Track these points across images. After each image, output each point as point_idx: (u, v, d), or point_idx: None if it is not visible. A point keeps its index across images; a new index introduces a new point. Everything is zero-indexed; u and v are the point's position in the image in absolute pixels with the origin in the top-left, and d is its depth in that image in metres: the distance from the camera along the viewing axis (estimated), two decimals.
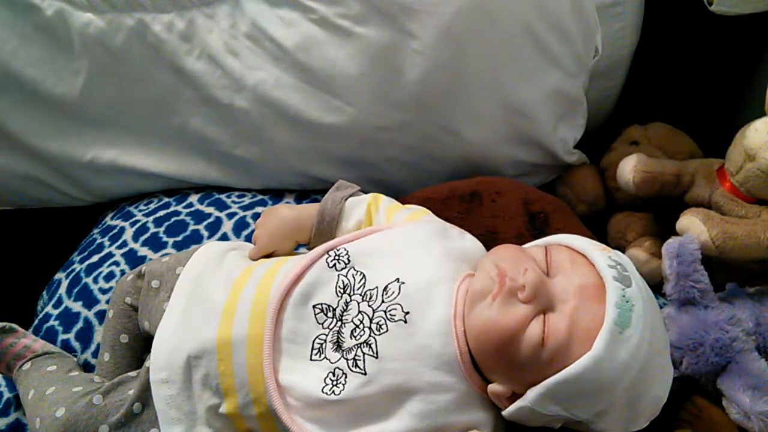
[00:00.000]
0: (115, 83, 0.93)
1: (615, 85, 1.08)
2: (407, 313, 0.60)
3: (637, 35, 1.05)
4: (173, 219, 0.94)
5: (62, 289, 0.88)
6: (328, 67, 0.87)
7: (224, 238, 0.90)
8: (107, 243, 0.93)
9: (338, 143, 0.93)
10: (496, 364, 0.59)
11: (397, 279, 0.62)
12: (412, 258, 0.65)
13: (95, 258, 0.91)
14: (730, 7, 0.91)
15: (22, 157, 1.00)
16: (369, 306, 0.61)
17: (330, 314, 0.62)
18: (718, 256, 0.78)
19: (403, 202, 0.78)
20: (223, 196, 0.98)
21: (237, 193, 0.99)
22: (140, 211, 0.99)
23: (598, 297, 0.57)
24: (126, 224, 0.95)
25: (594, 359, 0.55)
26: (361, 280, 0.63)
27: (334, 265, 0.64)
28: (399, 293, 0.61)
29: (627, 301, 0.57)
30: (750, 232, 0.78)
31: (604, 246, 0.64)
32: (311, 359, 0.61)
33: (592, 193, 1.03)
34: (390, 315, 0.60)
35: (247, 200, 0.97)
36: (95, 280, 0.87)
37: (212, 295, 0.66)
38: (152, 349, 0.65)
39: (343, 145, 0.93)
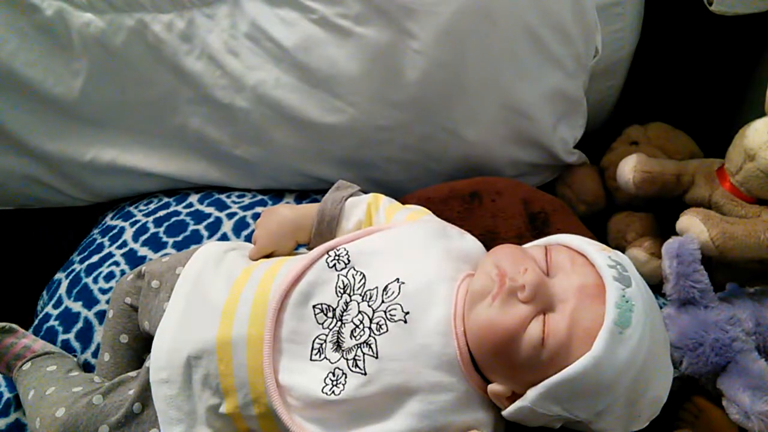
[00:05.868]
0: (114, 83, 0.93)
1: (615, 85, 1.08)
2: (407, 313, 0.60)
3: (637, 35, 1.05)
4: (173, 219, 0.94)
5: (62, 289, 0.88)
6: (328, 67, 0.87)
7: (224, 238, 0.90)
8: (107, 243, 0.93)
9: (338, 143, 0.93)
10: (496, 364, 0.59)
11: (397, 279, 0.62)
12: (412, 258, 0.65)
13: (95, 258, 0.91)
14: (730, 7, 0.91)
15: (22, 157, 1.00)
16: (369, 306, 0.61)
17: (330, 314, 0.62)
18: (718, 256, 0.78)
19: (403, 202, 0.78)
20: (223, 196, 0.98)
21: (237, 193, 0.99)
22: (140, 211, 0.99)
23: (598, 297, 0.57)
24: (126, 224, 0.95)
25: (594, 359, 0.55)
26: (361, 280, 0.63)
27: (334, 265, 0.64)
28: (399, 293, 0.61)
29: (627, 301, 0.57)
30: (750, 232, 0.78)
31: (604, 246, 0.64)
32: (311, 359, 0.61)
33: (592, 193, 1.03)
34: (390, 315, 0.60)
35: (247, 200, 0.97)
36: (95, 280, 0.87)
37: (212, 295, 0.66)
38: (152, 349, 0.65)
39: (343, 145, 0.93)
